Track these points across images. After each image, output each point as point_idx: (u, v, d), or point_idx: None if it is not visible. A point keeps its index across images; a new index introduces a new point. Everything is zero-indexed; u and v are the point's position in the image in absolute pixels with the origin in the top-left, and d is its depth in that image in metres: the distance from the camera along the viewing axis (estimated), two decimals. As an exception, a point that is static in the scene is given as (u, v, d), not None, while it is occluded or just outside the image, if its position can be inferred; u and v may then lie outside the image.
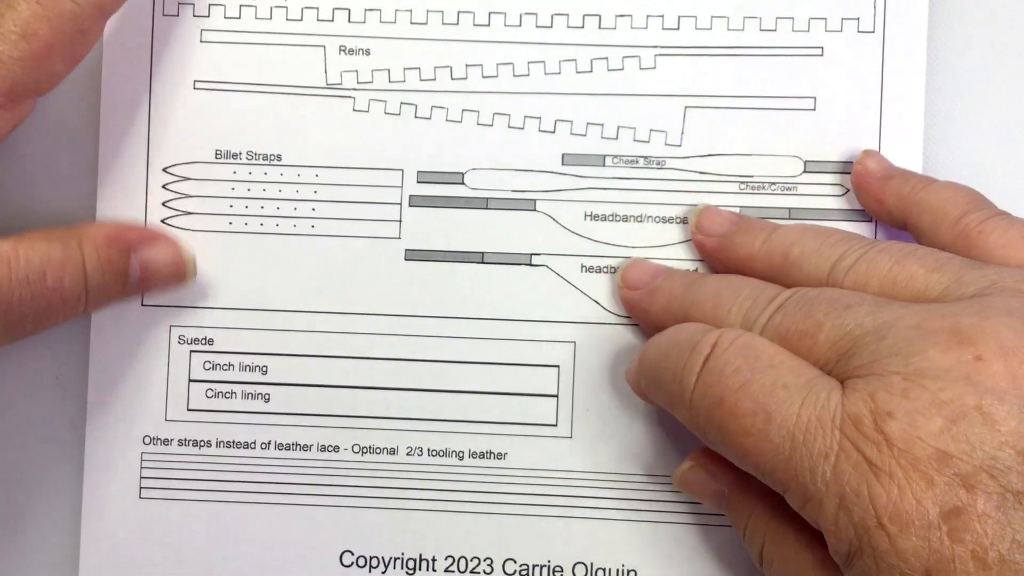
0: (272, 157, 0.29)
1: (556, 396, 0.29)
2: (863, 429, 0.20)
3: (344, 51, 0.29)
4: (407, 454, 0.29)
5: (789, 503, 0.22)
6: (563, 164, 0.29)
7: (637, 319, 0.29)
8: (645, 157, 0.29)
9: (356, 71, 0.29)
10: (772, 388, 0.22)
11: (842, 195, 0.28)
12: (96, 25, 0.26)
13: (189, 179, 0.29)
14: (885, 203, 0.27)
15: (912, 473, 0.20)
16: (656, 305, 0.27)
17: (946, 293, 0.23)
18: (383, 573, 0.29)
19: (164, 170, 0.29)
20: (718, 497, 0.26)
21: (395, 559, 0.29)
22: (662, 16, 0.29)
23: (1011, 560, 0.19)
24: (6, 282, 0.25)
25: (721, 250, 0.28)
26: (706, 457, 0.26)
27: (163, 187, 0.29)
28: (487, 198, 0.29)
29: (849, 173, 0.28)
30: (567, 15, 0.29)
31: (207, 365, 0.29)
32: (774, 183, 0.29)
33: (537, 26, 0.29)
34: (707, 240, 0.28)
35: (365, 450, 0.29)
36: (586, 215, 0.29)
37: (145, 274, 0.28)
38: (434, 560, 0.29)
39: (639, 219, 0.29)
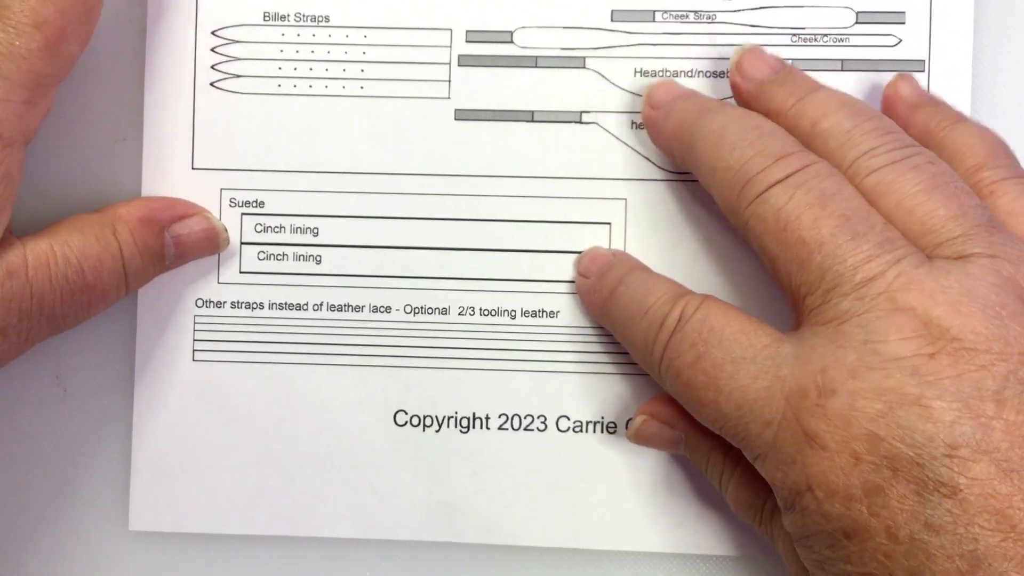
0: (320, 18, 0.29)
1: (607, 254, 0.29)
2: (806, 402, 0.22)
3: (393, -94, 0.29)
4: (459, 314, 0.29)
5: (744, 453, 0.24)
6: (612, 20, 0.29)
7: (651, 138, 0.28)
8: (695, 11, 0.29)
9: (405, -73, 0.29)
10: (721, 363, 0.23)
11: (894, 45, 0.28)
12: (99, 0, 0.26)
13: (237, 42, 0.29)
14: (909, 132, 0.26)
15: (843, 449, 0.21)
16: (668, 128, 0.27)
17: (950, 244, 0.23)
18: (436, 432, 0.29)
19: (212, 33, 0.29)
20: (675, 443, 0.27)
21: (448, 417, 0.29)
22: None
23: (920, 539, 0.20)
24: (47, 285, 0.25)
25: (754, 98, 0.27)
26: (657, 407, 0.27)
27: (211, 50, 0.29)
28: (536, 56, 0.29)
29: (902, 23, 0.28)
30: None
31: (258, 227, 0.29)
32: (826, 35, 0.28)
33: None
34: (743, 83, 0.27)
35: (417, 310, 0.29)
36: (636, 71, 0.29)
37: (180, 249, 0.28)
38: (487, 418, 0.29)
39: (689, 74, 0.29)
